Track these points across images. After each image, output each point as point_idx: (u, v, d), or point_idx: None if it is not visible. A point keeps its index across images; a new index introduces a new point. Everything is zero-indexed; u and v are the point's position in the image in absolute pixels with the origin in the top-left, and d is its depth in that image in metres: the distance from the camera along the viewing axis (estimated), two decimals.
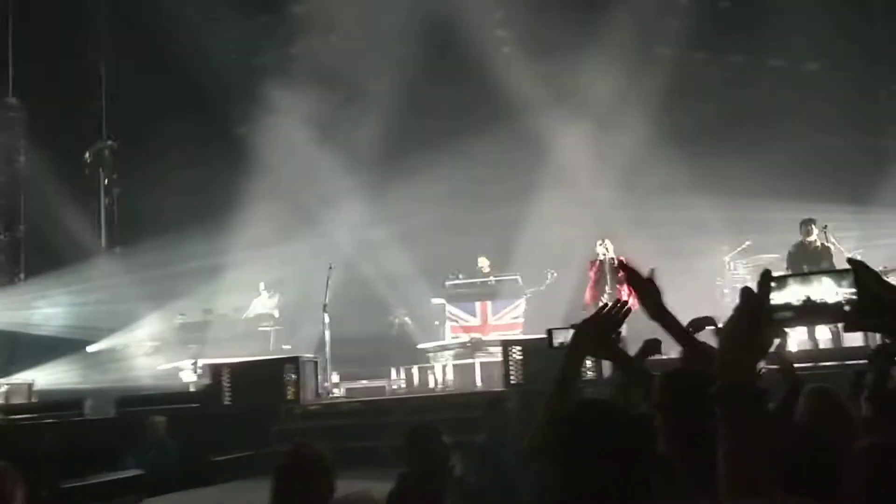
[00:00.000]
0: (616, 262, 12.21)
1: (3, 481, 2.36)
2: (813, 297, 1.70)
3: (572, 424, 2.25)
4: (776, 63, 15.81)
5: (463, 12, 15.14)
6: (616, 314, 2.79)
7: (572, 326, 3.06)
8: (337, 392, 12.24)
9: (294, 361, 10.92)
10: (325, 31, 16.68)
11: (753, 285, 1.67)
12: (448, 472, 4.46)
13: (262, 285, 15.22)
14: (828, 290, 1.70)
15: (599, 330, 2.78)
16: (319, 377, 11.38)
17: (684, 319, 3.91)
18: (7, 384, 11.84)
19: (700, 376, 2.22)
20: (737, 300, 1.64)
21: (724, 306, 12.52)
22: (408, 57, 15.10)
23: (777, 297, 1.67)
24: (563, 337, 3.19)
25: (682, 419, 2.27)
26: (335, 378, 12.62)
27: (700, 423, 1.89)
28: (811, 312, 1.70)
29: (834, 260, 10.96)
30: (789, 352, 5.82)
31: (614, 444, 2.14)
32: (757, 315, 1.61)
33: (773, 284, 1.67)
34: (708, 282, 13.78)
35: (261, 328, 14.90)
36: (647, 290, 2.87)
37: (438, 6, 14.88)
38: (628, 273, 2.96)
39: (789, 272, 11.19)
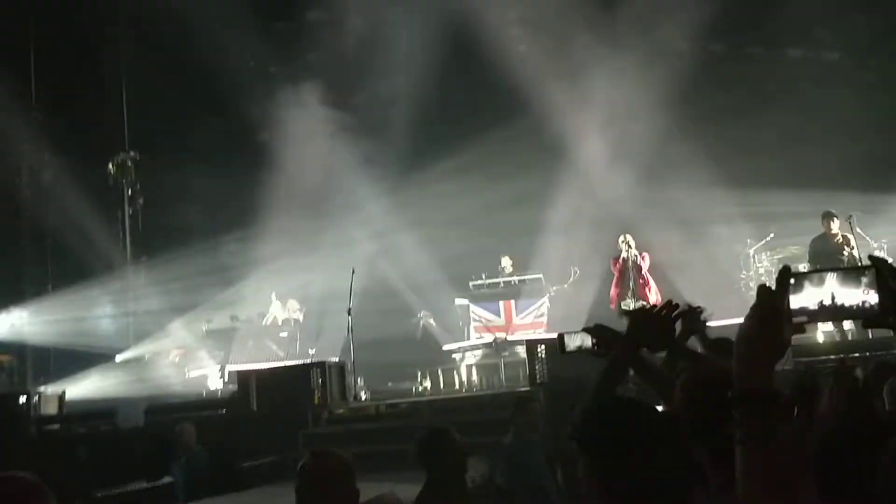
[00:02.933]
0: (640, 257, 12.18)
1: (31, 496, 2.37)
2: (830, 300, 1.66)
3: (610, 421, 2.19)
4: (796, 53, 15.68)
5: (479, 13, 15.13)
6: (669, 314, 2.77)
7: (585, 329, 3.03)
8: (363, 395, 12.27)
9: (320, 366, 10.96)
10: (344, 37, 16.73)
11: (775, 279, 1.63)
12: (465, 473, 4.44)
13: (273, 295, 15.30)
14: (846, 291, 1.66)
15: (657, 327, 2.74)
16: (345, 381, 11.42)
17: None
18: (39, 395, 11.94)
19: (722, 378, 2.21)
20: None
21: (748, 300, 12.43)
22: (426, 60, 15.10)
23: (794, 301, 1.63)
24: (578, 340, 3.12)
25: (708, 422, 2.25)
26: (361, 381, 12.65)
27: (724, 425, 1.88)
28: (829, 313, 1.67)
29: (857, 251, 10.81)
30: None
31: (655, 443, 2.08)
32: (774, 314, 1.58)
33: (791, 282, 1.63)
34: (732, 275, 13.70)
35: (286, 333, 14.97)
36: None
37: (454, 9, 14.88)
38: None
39: (810, 268, 11.09)
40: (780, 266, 1.69)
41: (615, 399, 2.40)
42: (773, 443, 1.52)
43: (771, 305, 1.59)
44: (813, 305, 1.65)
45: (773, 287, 1.62)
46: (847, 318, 1.84)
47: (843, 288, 1.66)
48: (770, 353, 1.58)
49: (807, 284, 1.66)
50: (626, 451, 2.06)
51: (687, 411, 2.35)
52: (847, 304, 1.65)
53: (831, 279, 1.67)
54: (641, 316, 2.94)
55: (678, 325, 2.92)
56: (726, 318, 5.47)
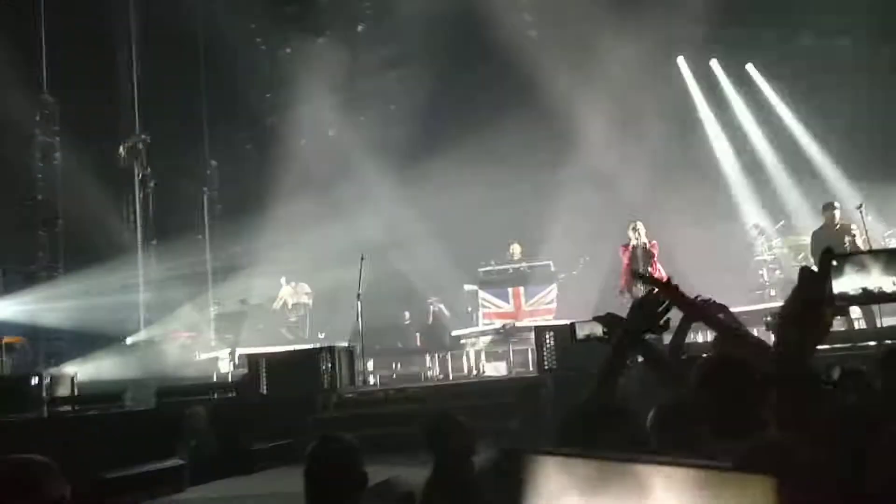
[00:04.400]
0: (647, 245, 12.15)
1: (39, 475, 2.40)
2: (870, 286, 1.62)
3: (579, 425, 2.23)
4: (808, 40, 15.54)
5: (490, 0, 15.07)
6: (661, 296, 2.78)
7: (595, 318, 3.04)
8: (372, 380, 12.31)
9: (329, 350, 10.99)
10: (353, 21, 16.69)
11: (787, 266, 1.61)
12: (472, 458, 4.44)
13: (283, 279, 15.34)
14: (885, 277, 1.62)
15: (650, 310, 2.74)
16: (355, 365, 11.46)
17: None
18: (50, 377, 12.02)
19: (739, 362, 2.23)
20: (772, 279, 1.58)
21: (757, 286, 12.41)
22: (436, 46, 15.06)
23: (834, 286, 1.58)
24: (588, 329, 3.14)
25: (722, 404, 2.26)
26: (370, 366, 12.69)
27: (741, 407, 1.90)
28: (869, 296, 1.64)
29: (861, 240, 10.64)
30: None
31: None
32: (817, 298, 1.54)
33: (833, 264, 1.58)
34: (741, 262, 13.65)
35: (296, 317, 15.02)
36: (671, 293, 2.87)
37: None
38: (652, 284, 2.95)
39: (814, 260, 10.95)
40: (792, 252, 1.66)
41: (585, 408, 2.40)
42: (811, 422, 1.49)
43: (814, 289, 1.54)
44: (853, 290, 1.61)
45: (815, 269, 1.57)
46: (888, 302, 1.80)
47: (886, 272, 1.61)
48: (811, 337, 1.55)
49: (847, 268, 1.62)
50: None
51: (699, 394, 2.36)
52: (889, 290, 1.61)
53: (873, 262, 1.63)
54: (638, 303, 2.95)
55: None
56: (736, 305, 5.48)
